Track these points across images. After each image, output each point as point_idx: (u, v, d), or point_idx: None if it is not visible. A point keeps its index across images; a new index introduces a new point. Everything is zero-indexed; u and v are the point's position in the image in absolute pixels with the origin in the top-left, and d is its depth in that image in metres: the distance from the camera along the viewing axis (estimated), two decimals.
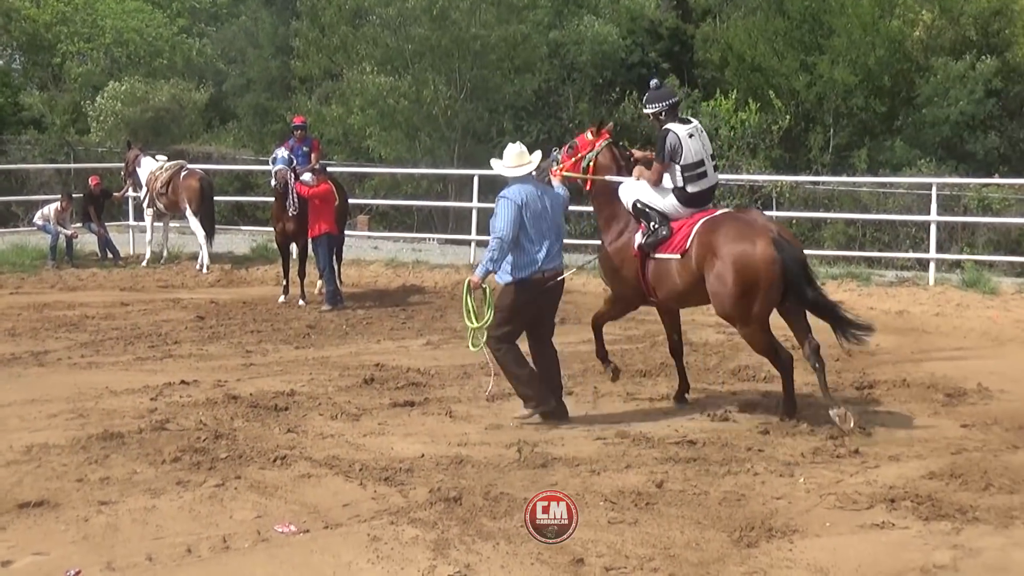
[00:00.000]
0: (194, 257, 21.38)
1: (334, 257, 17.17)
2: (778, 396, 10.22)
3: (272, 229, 18.33)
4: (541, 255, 9.52)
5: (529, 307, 9.63)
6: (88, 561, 6.22)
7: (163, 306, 16.75)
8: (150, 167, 21.68)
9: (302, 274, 17.30)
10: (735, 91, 31.40)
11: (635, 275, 10.19)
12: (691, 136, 10.10)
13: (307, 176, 17.07)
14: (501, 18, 31.18)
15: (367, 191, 30.77)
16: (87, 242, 22.67)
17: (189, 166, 22.01)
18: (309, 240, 16.77)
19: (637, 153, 10.87)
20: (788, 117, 30.72)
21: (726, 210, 10.54)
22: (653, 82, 10.70)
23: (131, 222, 24.06)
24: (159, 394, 10.48)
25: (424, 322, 15.40)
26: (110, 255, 22.05)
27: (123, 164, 23.12)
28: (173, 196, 20.97)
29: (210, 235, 20.76)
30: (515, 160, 9.75)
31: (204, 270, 20.40)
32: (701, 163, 10.13)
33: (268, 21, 40.31)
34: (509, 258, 9.47)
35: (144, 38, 40.06)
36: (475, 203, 21.38)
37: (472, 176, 22.00)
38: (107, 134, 34.51)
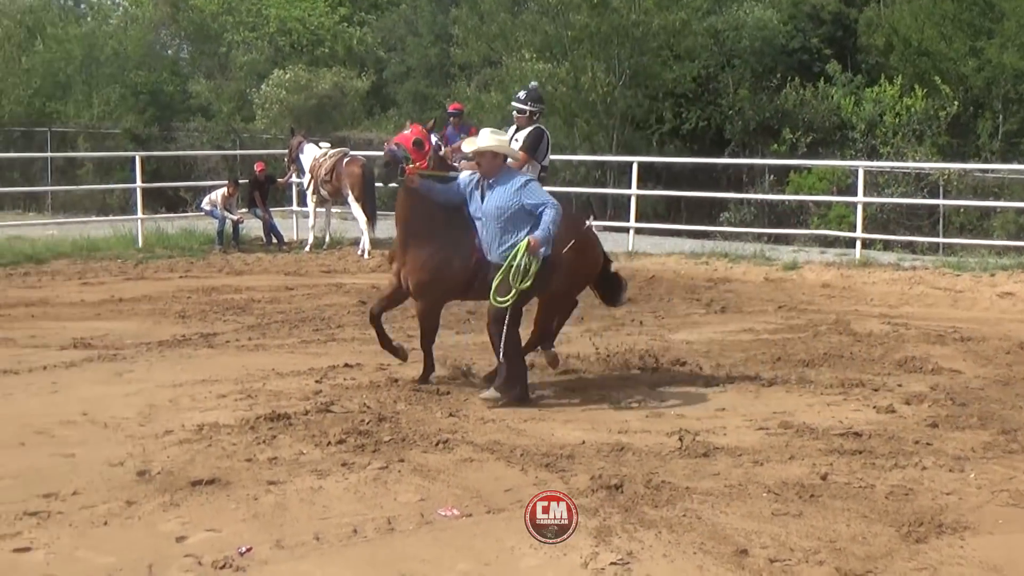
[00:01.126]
0: (356, 243, 21.74)
1: None
2: (947, 388, 9.98)
3: None
4: None
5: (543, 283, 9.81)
6: (258, 539, 6.35)
7: (326, 291, 17.04)
8: (313, 154, 22.07)
9: None
10: (900, 77, 30.67)
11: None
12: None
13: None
14: (661, 5, 30.93)
15: None
16: (252, 227, 23.23)
17: (351, 153, 22.35)
18: None
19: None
20: (956, 103, 29.87)
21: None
22: (534, 84, 11.86)
23: (294, 208, 24.58)
24: (324, 377, 10.65)
25: (583, 309, 15.23)
26: (274, 240, 22.54)
27: (287, 151, 23.59)
28: (336, 183, 21.31)
29: (371, 221, 21.05)
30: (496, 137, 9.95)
31: (365, 255, 20.72)
32: (547, 168, 11.31)
33: (428, 9, 40.69)
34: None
35: (307, 27, 40.77)
36: (634, 190, 21.29)
37: (631, 163, 21.88)
38: (271, 121, 35.28)
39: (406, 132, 10.30)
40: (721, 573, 6.01)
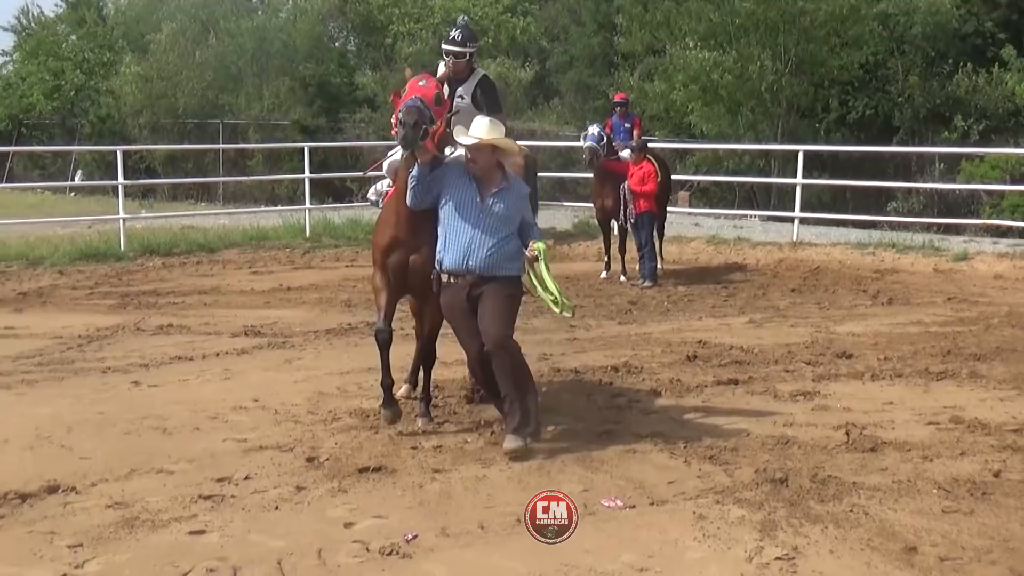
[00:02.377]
0: None
1: (655, 234, 17.19)
2: None
3: (592, 205, 18.50)
4: None
5: None
6: (424, 526, 6.45)
7: None
8: None
9: (623, 250, 17.35)
10: None
11: None
12: None
13: (626, 153, 17.14)
14: None
15: (688, 167, 30.65)
16: None
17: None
18: (632, 216, 16.75)
19: None
20: None
21: None
22: (464, 18, 9.69)
23: None
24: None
25: (746, 300, 15.23)
26: None
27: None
28: None
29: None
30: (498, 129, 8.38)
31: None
32: None
33: None
34: (518, 248, 8.44)
35: (471, 17, 41.02)
36: (799, 179, 20.94)
37: (797, 152, 21.53)
38: None
39: (421, 83, 8.26)
40: (889, 571, 5.90)
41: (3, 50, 50.51)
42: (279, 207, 26.90)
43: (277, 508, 6.76)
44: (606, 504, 6.82)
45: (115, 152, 22.12)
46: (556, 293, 8.28)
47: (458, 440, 8.23)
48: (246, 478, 7.33)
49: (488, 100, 9.08)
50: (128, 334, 12.67)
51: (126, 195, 21.84)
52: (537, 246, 8.25)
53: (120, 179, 21.11)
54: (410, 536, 6.27)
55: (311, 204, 23.55)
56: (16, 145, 41.46)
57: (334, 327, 13.01)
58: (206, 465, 7.66)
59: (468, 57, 9.27)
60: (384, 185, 21.76)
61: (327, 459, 7.79)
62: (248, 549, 6.14)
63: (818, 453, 7.92)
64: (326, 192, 30.35)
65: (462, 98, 9.13)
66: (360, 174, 20.68)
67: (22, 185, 37.42)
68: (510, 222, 8.29)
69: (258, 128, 37.66)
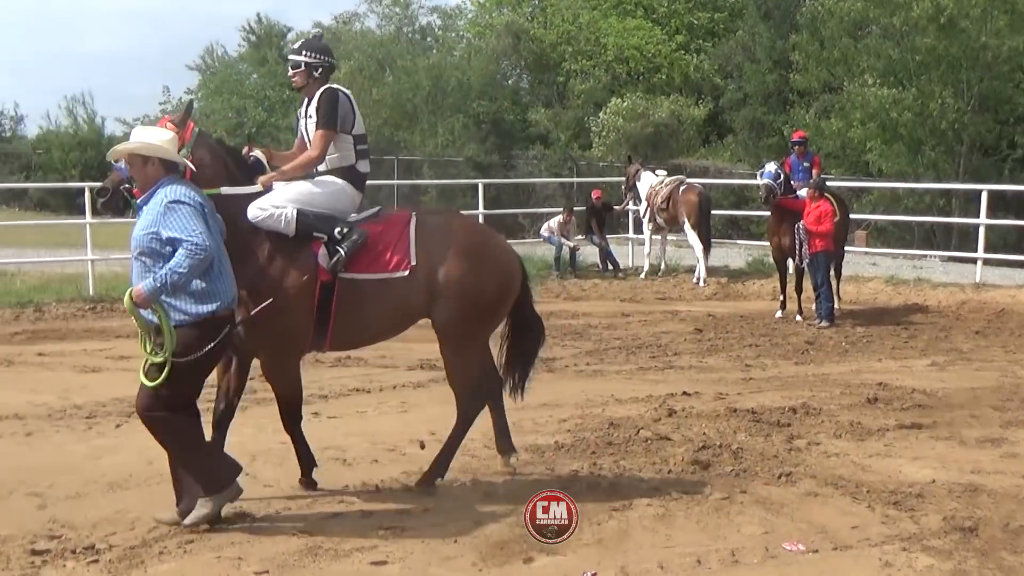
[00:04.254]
0: (691, 270, 21.70)
1: (832, 273, 16.90)
2: None
3: (768, 243, 18.29)
4: (228, 284, 7.00)
5: (211, 359, 7.01)
6: (603, 564, 6.40)
7: (662, 318, 17.07)
8: (650, 181, 22.21)
9: (799, 289, 17.10)
10: None
11: (310, 311, 7.58)
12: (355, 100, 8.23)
13: (803, 192, 16.91)
14: (1014, 26, 29.57)
15: (865, 206, 30.09)
16: (589, 254, 23.50)
17: (688, 181, 22.36)
18: (807, 256, 16.49)
19: (261, 151, 8.10)
20: None
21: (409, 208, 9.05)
22: (317, 32, 8.63)
23: (630, 235, 24.71)
24: (662, 404, 10.64)
25: (928, 342, 14.84)
26: (611, 267, 22.74)
27: (624, 178, 23.82)
28: (673, 210, 21.35)
29: (707, 249, 20.98)
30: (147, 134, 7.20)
31: (701, 283, 20.65)
32: (366, 137, 8.29)
33: (766, 35, 40.28)
34: (193, 286, 6.81)
35: (644, 55, 41.12)
36: (982, 219, 20.36)
37: (980, 191, 20.95)
38: (608, 149, 35.73)
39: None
40: None
41: (188, 88, 52.32)
42: None
43: (455, 541, 6.78)
44: (788, 548, 6.69)
45: None
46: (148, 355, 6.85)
47: (634, 479, 8.17)
48: (425, 511, 7.39)
49: (319, 114, 7.93)
50: (307, 366, 12.86)
51: None
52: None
53: None
54: (589, 574, 6.23)
55: None
56: None
57: None
58: (386, 497, 7.74)
59: (304, 68, 8.12)
60: (553, 222, 22.00)
61: (503, 495, 7.79)
62: None
63: (1009, 502, 7.66)
64: (499, 228, 30.52)
65: (311, 118, 8.04)
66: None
67: None
68: (140, 245, 6.84)
69: (432, 164, 38.21)
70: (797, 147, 18.53)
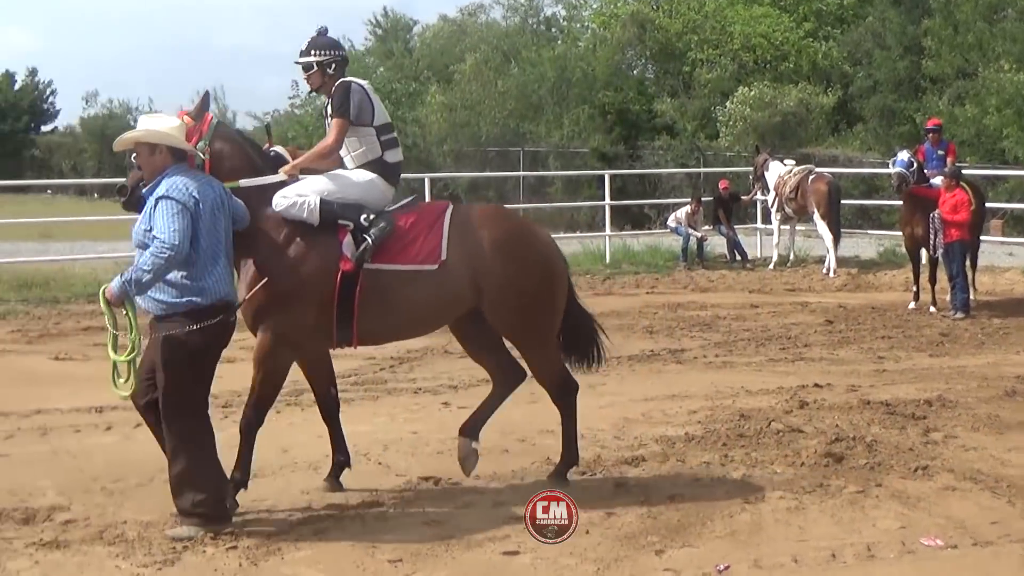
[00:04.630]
0: (820, 261, 21.44)
1: (967, 263, 16.54)
2: None
3: (900, 233, 17.99)
4: (221, 277, 6.89)
5: (207, 353, 6.93)
6: (735, 557, 6.36)
7: (791, 309, 16.87)
8: (778, 171, 21.99)
9: (933, 280, 16.77)
10: None
11: (328, 303, 7.34)
12: (374, 91, 8.01)
13: (937, 180, 16.57)
14: None
15: (1001, 194, 29.36)
16: (716, 244, 23.35)
17: (817, 170, 22.10)
18: (942, 246, 16.16)
19: (280, 147, 8.04)
20: None
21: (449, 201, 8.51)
22: (320, 27, 8.18)
23: (758, 225, 24.51)
24: (793, 396, 10.52)
25: None
26: (738, 257, 22.57)
27: (752, 168, 23.62)
28: (801, 200, 21.12)
29: (837, 239, 20.71)
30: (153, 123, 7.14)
31: (831, 274, 20.39)
32: (393, 127, 8.05)
33: (896, 21, 39.46)
34: (175, 278, 6.72)
35: (771, 43, 40.59)
36: None
37: None
38: (735, 139, 35.39)
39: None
40: None
41: None
42: (578, 234, 27.20)
43: (587, 532, 6.78)
44: (926, 543, 6.57)
45: (422, 179, 22.89)
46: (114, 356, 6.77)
47: (767, 471, 8.09)
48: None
49: (332, 104, 7.79)
50: (437, 356, 13.03)
51: None
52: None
53: None
54: (722, 567, 6.20)
55: (611, 231, 23.76)
56: None
57: (636, 353, 13.05)
58: (516, 487, 7.78)
59: (317, 68, 7.86)
60: (681, 212, 21.91)
61: (634, 485, 7.79)
62: (561, 572, 6.20)
63: None
64: (625, 219, 30.50)
65: (329, 118, 7.89)
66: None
67: None
68: (138, 238, 6.86)
69: (558, 156, 38.19)
70: (931, 134, 18.15)
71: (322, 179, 7.55)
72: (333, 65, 7.84)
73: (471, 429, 8.03)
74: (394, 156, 7.85)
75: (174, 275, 6.66)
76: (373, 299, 7.31)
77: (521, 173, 36.79)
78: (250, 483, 7.55)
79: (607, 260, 22.43)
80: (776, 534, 6.77)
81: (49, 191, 48.18)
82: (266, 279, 7.10)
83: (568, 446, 8.00)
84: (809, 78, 39.45)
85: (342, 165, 7.83)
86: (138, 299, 6.74)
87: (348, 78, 7.81)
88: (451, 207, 7.67)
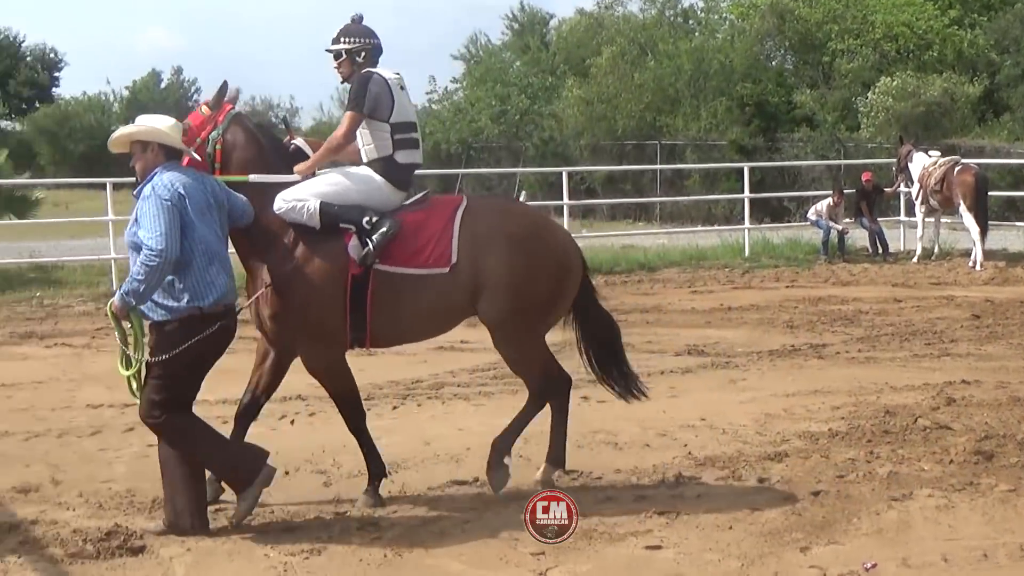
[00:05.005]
0: (966, 254, 20.99)
1: None
2: None
3: None
4: (218, 277, 6.80)
5: (205, 357, 6.85)
6: (882, 555, 6.25)
7: (936, 303, 16.51)
8: (923, 163, 21.56)
9: None
10: None
11: (340, 305, 7.20)
12: (401, 88, 7.63)
13: None
14: None
15: None
16: (858, 237, 23.00)
17: (963, 161, 21.63)
18: None
19: (301, 140, 7.84)
20: None
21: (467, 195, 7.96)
22: (355, 15, 7.81)
23: (902, 217, 24.07)
24: (939, 392, 10.29)
25: None
26: (881, 250, 22.18)
27: (895, 160, 23.20)
28: (947, 192, 20.69)
29: (984, 231, 20.25)
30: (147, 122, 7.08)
31: (978, 267, 19.94)
32: (414, 126, 7.70)
33: None
34: (168, 284, 6.68)
35: (914, 31, 39.76)
36: None
37: None
38: (877, 129, 34.79)
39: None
40: None
41: (454, 78, 53.45)
42: (717, 227, 27.00)
43: (731, 528, 6.73)
44: None
45: (559, 173, 22.92)
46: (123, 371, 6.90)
47: (914, 468, 7.93)
48: (698, 496, 7.36)
49: (348, 96, 7.64)
50: (575, 350, 13.00)
51: (568, 215, 22.52)
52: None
53: (565, 199, 21.86)
54: (869, 564, 6.10)
55: (749, 224, 23.55)
56: (465, 168, 43.60)
57: (777, 348, 12.91)
58: (658, 481, 7.75)
59: (346, 56, 7.60)
60: (821, 205, 21.63)
61: (777, 481, 7.71)
62: (704, 568, 6.16)
63: None
64: (764, 212, 30.21)
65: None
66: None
67: None
68: (128, 240, 6.88)
69: (695, 148, 37.96)
70: None
71: (323, 180, 7.38)
72: (363, 53, 7.60)
73: (503, 443, 7.71)
74: (407, 157, 7.55)
75: (169, 280, 6.61)
76: (385, 302, 7.19)
77: (658, 166, 36.62)
78: (393, 473, 7.67)
79: (746, 253, 22.26)
80: (925, 532, 6.64)
81: None
82: (269, 284, 7.10)
83: (557, 445, 7.77)
84: (954, 67, 38.56)
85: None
86: (143, 312, 6.73)
87: (373, 69, 7.57)
88: (464, 203, 7.43)
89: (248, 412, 7.69)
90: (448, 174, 35.48)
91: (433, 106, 50.41)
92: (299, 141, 7.75)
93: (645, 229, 30.74)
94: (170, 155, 6.84)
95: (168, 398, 6.70)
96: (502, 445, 7.64)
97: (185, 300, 6.63)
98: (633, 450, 8.62)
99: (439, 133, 45.80)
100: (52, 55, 70.98)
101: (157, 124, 6.93)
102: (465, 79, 52.39)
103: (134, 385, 6.82)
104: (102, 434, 8.60)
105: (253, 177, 7.28)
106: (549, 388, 7.73)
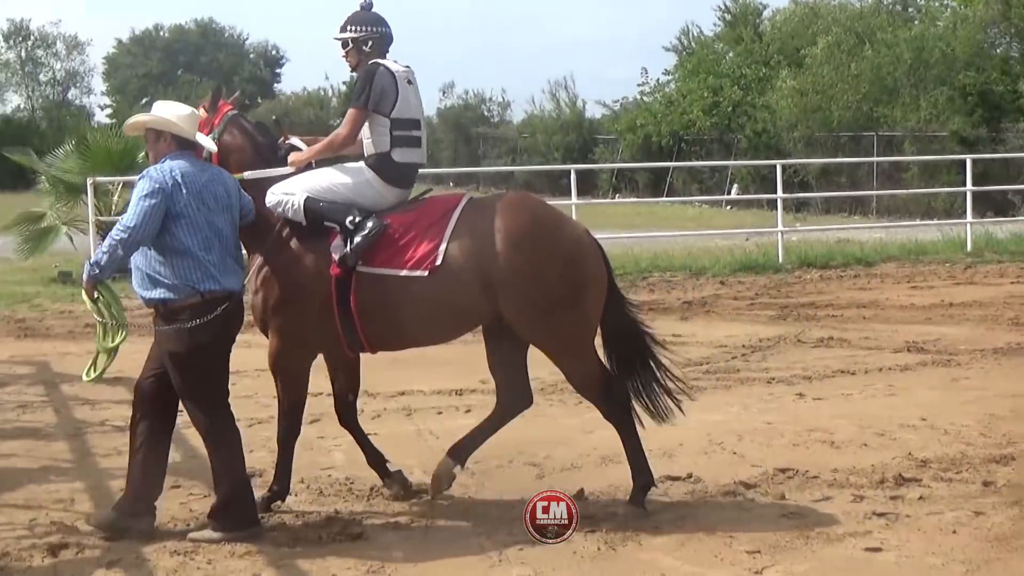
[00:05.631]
0: None
1: None
2: None
3: None
4: (220, 265, 6.70)
5: (215, 344, 6.73)
6: None
7: None
8: None
9: None
10: None
11: (327, 306, 6.92)
12: (409, 83, 7.18)
13: None
14: None
15: None
16: None
17: None
18: None
19: (296, 139, 7.57)
20: None
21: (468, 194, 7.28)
22: (364, 2, 7.25)
23: None
24: None
25: None
26: None
27: None
28: None
29: None
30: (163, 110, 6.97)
31: None
32: (417, 124, 7.23)
33: None
34: (165, 268, 6.60)
35: None
36: None
37: None
38: None
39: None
40: None
41: (665, 69, 53.20)
42: (936, 221, 26.24)
43: (955, 532, 6.52)
44: None
45: (772, 166, 22.59)
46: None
47: None
48: (920, 499, 7.16)
49: (353, 91, 7.38)
50: (790, 345, 12.84)
51: (782, 208, 22.19)
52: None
53: (779, 192, 21.55)
54: None
55: (972, 218, 22.82)
56: (676, 160, 43.41)
57: (1002, 346, 12.45)
58: (877, 482, 7.55)
59: (353, 45, 7.31)
60: None
61: (1004, 484, 7.44)
62: (927, 572, 5.98)
63: None
64: (987, 205, 29.21)
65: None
66: None
67: (681, 199, 39.20)
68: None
69: (914, 140, 36.97)
70: None
71: (314, 175, 7.19)
72: (370, 42, 7.29)
73: (459, 453, 7.40)
74: (405, 156, 7.20)
75: (164, 268, 6.57)
76: (370, 304, 6.89)
77: (875, 159, 35.80)
78: (609, 467, 7.68)
79: (968, 248, 21.56)
80: None
81: None
82: (261, 271, 7.07)
83: (636, 465, 7.14)
84: None
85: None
86: (141, 297, 6.73)
87: (381, 60, 7.26)
88: (464, 201, 7.04)
89: (347, 417, 7.67)
90: (658, 167, 35.33)
91: (644, 98, 50.30)
92: (294, 140, 7.63)
93: (861, 223, 30.07)
94: (183, 145, 6.82)
95: (196, 391, 6.68)
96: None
97: (178, 289, 6.55)
98: (850, 449, 8.42)
99: (650, 126, 45.74)
100: (274, 52, 73.33)
101: (172, 114, 6.87)
102: (677, 71, 52.10)
103: (101, 361, 7.04)
104: (321, 422, 8.78)
105: (248, 174, 7.22)
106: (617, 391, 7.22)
